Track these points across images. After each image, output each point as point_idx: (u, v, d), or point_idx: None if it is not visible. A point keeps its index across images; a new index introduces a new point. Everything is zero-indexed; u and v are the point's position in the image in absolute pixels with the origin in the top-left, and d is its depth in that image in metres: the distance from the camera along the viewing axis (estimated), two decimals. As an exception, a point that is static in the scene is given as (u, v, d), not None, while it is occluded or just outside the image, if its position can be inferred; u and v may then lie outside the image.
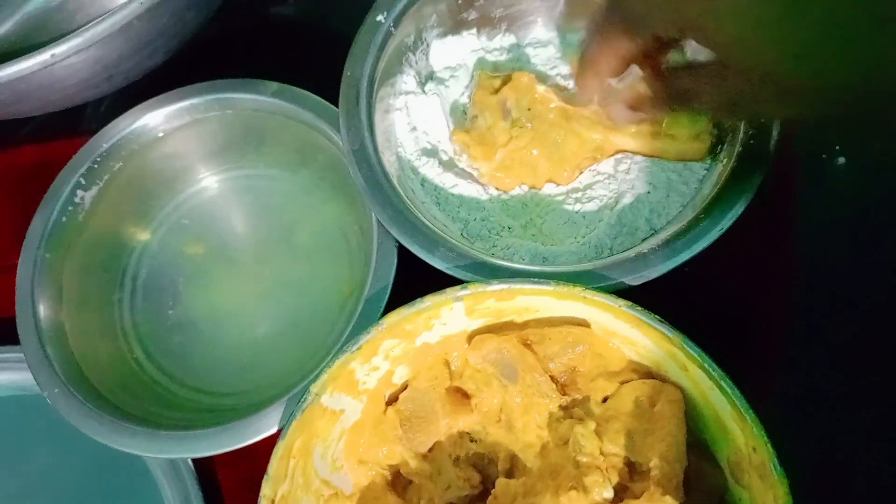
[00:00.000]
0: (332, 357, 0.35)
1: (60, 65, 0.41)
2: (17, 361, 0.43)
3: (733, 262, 0.41)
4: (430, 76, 0.46)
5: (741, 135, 0.38)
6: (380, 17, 0.43)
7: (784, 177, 0.44)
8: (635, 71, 0.36)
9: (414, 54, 0.45)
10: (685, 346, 0.32)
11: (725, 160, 0.39)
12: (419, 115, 0.44)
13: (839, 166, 0.45)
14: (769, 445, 0.29)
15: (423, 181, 0.43)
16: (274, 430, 0.37)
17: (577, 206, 0.41)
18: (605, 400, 0.36)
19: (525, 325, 0.37)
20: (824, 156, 0.46)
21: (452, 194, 0.42)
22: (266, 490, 0.33)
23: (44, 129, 0.56)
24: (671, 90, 0.35)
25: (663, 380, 0.35)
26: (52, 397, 0.40)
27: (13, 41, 0.47)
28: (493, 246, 0.41)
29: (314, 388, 0.34)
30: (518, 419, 0.36)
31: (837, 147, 0.46)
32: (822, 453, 0.38)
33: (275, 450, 0.33)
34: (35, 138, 0.56)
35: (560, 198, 0.42)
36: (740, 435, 0.31)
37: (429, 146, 0.44)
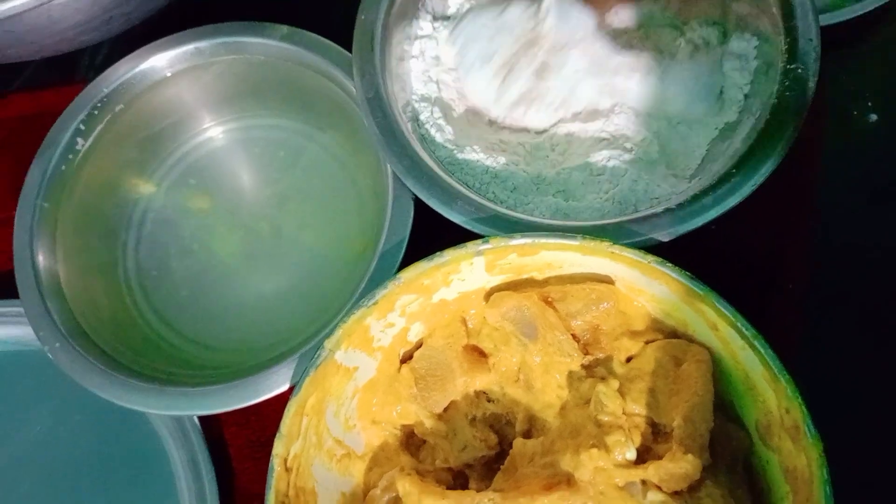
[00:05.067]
0: (346, 312, 0.34)
1: (56, 3, 0.39)
2: (16, 316, 0.42)
3: (761, 218, 0.40)
4: (446, 19, 0.44)
5: (776, 84, 0.36)
6: (395, -41, 0.41)
7: (814, 133, 0.42)
8: None
9: (430, -2, 0.43)
10: (717, 304, 0.31)
11: (758, 113, 0.37)
12: (435, 61, 0.42)
13: (870, 123, 0.44)
14: (804, 407, 0.29)
15: (440, 130, 0.41)
16: (285, 388, 0.36)
17: (600, 161, 0.39)
18: (628, 360, 0.35)
19: (546, 281, 0.36)
20: (855, 112, 0.44)
21: (469, 146, 0.41)
22: (279, 448, 0.32)
23: (39, 77, 0.55)
24: None
25: (689, 339, 0.34)
26: (53, 352, 0.38)
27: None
28: (514, 200, 0.39)
29: (328, 344, 0.33)
30: (537, 379, 0.35)
31: (869, 103, 0.44)
32: (851, 414, 0.37)
33: (287, 407, 0.32)
34: (30, 87, 0.54)
35: (582, 151, 0.40)
36: (772, 396, 0.30)
37: (445, 96, 0.42)
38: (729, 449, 0.33)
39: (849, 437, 0.35)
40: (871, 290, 0.41)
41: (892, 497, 0.38)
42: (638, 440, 0.33)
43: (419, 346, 0.37)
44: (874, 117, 0.44)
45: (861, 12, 0.44)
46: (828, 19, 0.43)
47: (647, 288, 0.34)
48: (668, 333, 0.35)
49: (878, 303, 0.41)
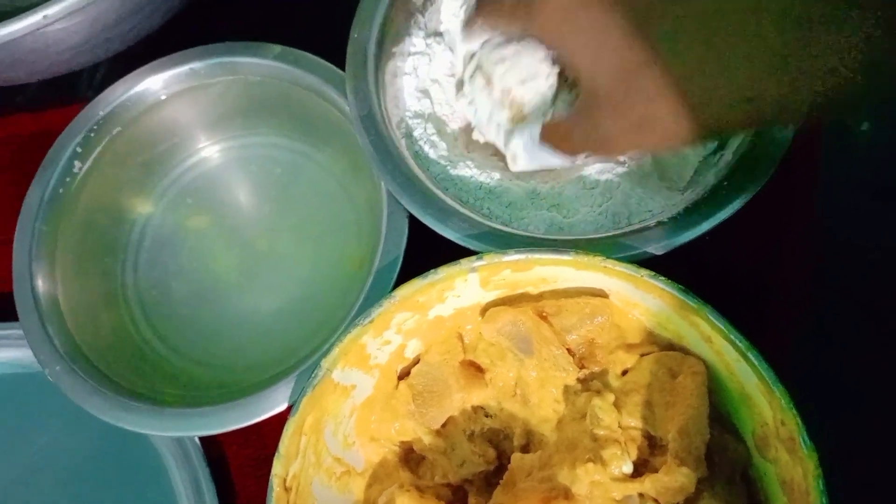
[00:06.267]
0: (342, 331, 0.34)
1: (54, 27, 0.39)
2: (16, 338, 0.42)
3: (755, 228, 0.40)
4: (439, 35, 0.44)
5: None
6: (387, -23, 0.41)
7: (808, 142, 0.43)
8: None
9: (423, 15, 0.43)
10: (710, 316, 0.31)
11: (749, 125, 0.37)
12: (428, 78, 0.43)
13: (863, 132, 0.44)
14: (798, 419, 0.29)
15: (433, 147, 0.41)
16: (283, 407, 0.36)
17: (593, 174, 0.40)
18: (624, 373, 0.35)
19: (540, 296, 0.36)
20: (848, 121, 0.44)
21: (463, 162, 0.41)
22: (278, 468, 0.32)
23: (38, 98, 0.55)
24: None
25: (685, 352, 0.34)
26: (53, 375, 0.39)
27: (2, 2, 0.45)
28: (508, 216, 0.39)
29: (325, 363, 0.33)
30: (534, 393, 0.36)
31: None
32: (848, 425, 0.37)
33: (286, 427, 0.33)
34: (29, 108, 0.55)
35: (575, 167, 0.40)
36: (767, 408, 0.30)
37: (439, 112, 0.42)
38: (727, 461, 0.33)
39: (850, 438, 0.35)
40: (869, 291, 0.41)
41: (893, 498, 0.38)
42: (634, 453, 0.33)
43: (416, 362, 0.37)
44: (866, 126, 0.44)
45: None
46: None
47: (641, 301, 0.34)
48: (663, 346, 0.35)
49: (878, 303, 0.41)
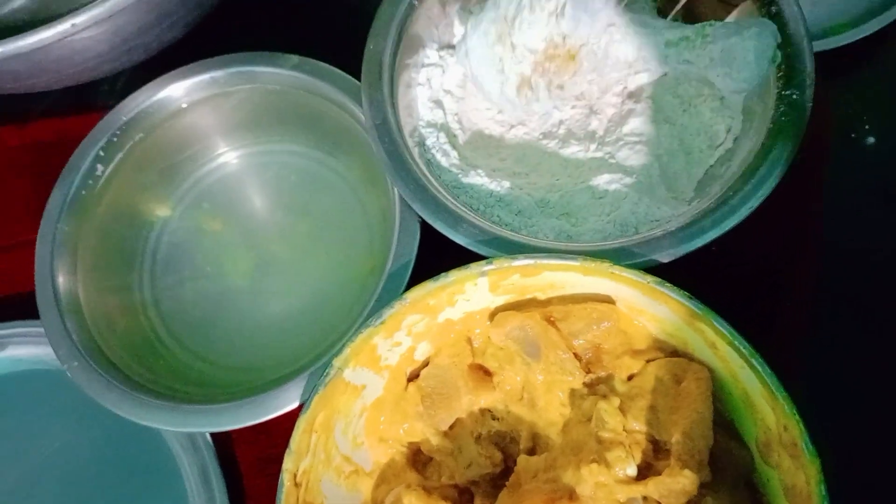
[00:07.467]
0: (354, 331, 0.34)
1: (80, 36, 0.40)
2: (37, 336, 0.43)
3: (760, 239, 0.41)
4: (451, 47, 0.45)
5: (772, 110, 0.37)
6: (403, -10, 0.42)
7: (813, 156, 0.43)
8: None
9: (437, 28, 0.45)
10: (715, 323, 0.31)
11: (755, 138, 0.38)
12: (441, 89, 0.44)
13: (869, 146, 0.45)
14: (801, 424, 0.29)
15: (445, 155, 0.42)
16: (295, 406, 0.37)
17: (601, 184, 0.40)
18: (629, 378, 0.36)
19: (548, 301, 0.37)
20: (853, 135, 0.45)
21: (474, 170, 0.42)
22: (288, 464, 0.33)
23: (60, 105, 0.56)
24: None
25: (690, 358, 0.35)
26: (72, 370, 0.39)
27: (31, 11, 0.47)
28: (518, 223, 0.40)
29: (337, 362, 0.34)
30: (541, 397, 0.36)
31: (867, 126, 0.45)
32: (852, 432, 0.37)
33: (297, 423, 0.33)
34: (52, 114, 0.56)
35: (584, 175, 0.41)
36: (770, 414, 0.30)
37: (452, 121, 0.43)
38: (730, 466, 0.33)
39: (851, 439, 0.35)
40: (875, 296, 0.41)
41: (893, 498, 0.38)
42: (639, 457, 0.33)
43: (425, 364, 0.38)
44: (872, 140, 0.45)
45: (859, 37, 0.45)
46: (828, 44, 0.44)
47: (647, 308, 0.34)
48: (668, 352, 0.35)
49: (884, 309, 0.41)
